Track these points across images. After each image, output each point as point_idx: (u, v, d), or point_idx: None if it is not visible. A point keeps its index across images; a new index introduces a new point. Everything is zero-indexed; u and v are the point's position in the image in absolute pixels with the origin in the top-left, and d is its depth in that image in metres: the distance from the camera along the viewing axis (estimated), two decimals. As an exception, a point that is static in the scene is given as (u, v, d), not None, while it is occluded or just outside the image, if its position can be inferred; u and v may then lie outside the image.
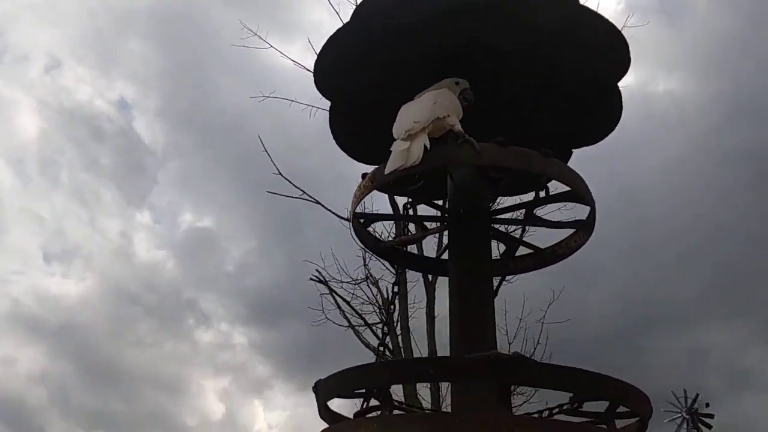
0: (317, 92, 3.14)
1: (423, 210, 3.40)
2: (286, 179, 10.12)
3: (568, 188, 2.79)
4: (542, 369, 2.02)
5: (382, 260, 3.26)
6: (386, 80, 3.04)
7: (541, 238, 3.30)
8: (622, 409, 2.21)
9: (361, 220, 3.01)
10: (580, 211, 3.11)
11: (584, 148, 3.48)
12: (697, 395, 34.98)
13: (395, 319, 12.91)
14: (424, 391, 10.62)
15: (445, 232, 3.09)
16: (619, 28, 2.92)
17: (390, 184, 2.78)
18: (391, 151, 2.53)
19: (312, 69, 3.04)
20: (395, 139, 2.56)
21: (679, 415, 35.02)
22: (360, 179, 2.77)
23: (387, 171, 2.48)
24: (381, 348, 2.94)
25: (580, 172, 3.40)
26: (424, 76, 2.83)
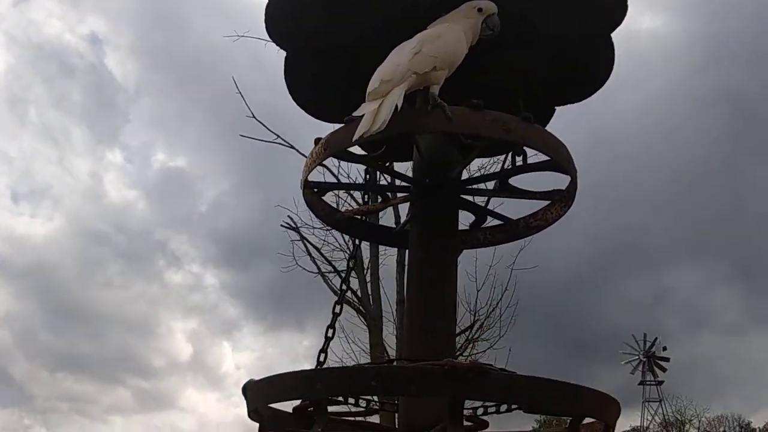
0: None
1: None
2: (261, 123, 9.64)
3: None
4: (502, 380, 1.75)
5: (340, 231, 2.89)
6: (349, 28, 2.63)
7: (515, 205, 3.01)
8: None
9: (315, 190, 2.65)
10: (556, 177, 2.81)
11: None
12: (656, 339, 36.47)
13: (365, 266, 12.80)
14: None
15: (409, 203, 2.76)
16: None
17: (347, 152, 2.42)
18: (345, 119, 2.16)
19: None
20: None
21: (637, 357, 36.60)
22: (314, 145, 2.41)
23: (353, 138, 2.11)
24: (343, 289, 2.71)
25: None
26: (393, 23, 2.43)
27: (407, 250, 2.70)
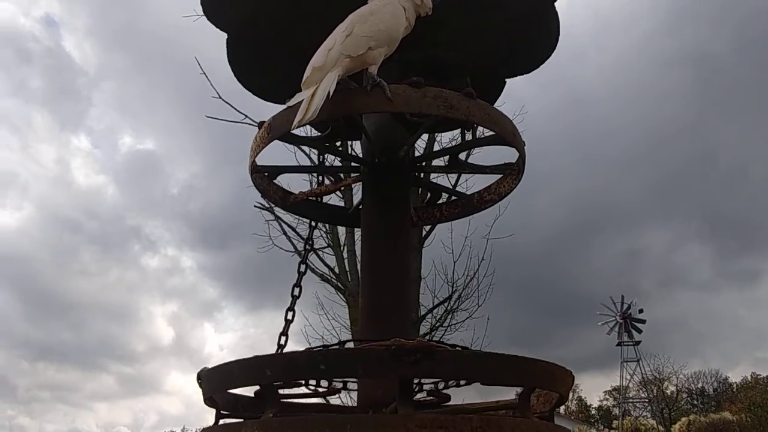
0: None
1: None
2: (228, 103, 9.48)
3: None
4: (449, 357, 1.77)
5: (294, 214, 2.88)
6: (289, 7, 2.58)
7: (476, 180, 3.02)
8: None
9: (266, 174, 2.63)
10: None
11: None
12: (632, 302, 37.32)
13: (341, 243, 12.83)
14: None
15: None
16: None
17: (292, 135, 2.40)
18: (286, 102, 2.14)
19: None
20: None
21: (613, 318, 37.45)
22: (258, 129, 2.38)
23: (292, 127, 2.10)
24: (301, 271, 2.72)
25: (523, 76, 3.08)
26: (329, 4, 2.39)
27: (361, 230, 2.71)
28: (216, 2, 2.53)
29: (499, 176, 2.80)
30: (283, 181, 2.94)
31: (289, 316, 2.69)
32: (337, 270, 12.18)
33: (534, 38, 2.91)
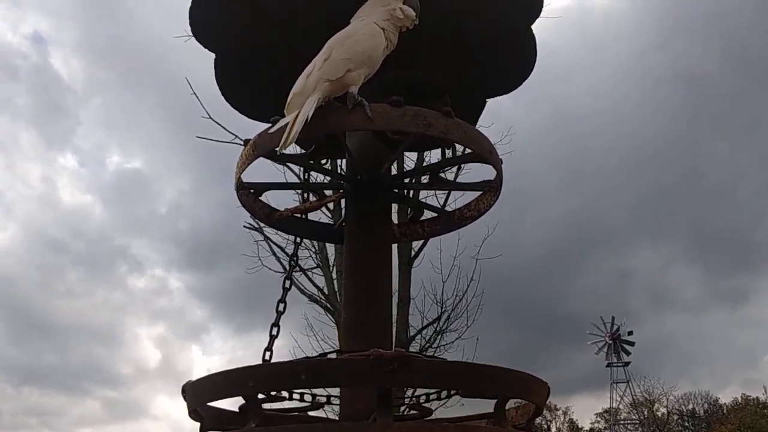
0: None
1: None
2: (218, 123, 9.56)
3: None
4: (425, 367, 1.82)
5: (279, 230, 2.94)
6: (272, 26, 2.67)
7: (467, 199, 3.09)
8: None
9: (251, 191, 2.70)
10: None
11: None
12: (620, 325, 37.48)
13: (330, 264, 12.84)
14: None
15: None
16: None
17: (277, 154, 2.47)
18: (271, 120, 2.21)
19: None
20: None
21: (602, 339, 37.56)
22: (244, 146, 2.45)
23: (277, 151, 2.17)
24: (286, 287, 2.76)
25: (511, 96, 3.16)
26: (316, 25, 2.48)
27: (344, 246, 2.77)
28: (204, 23, 2.62)
29: (479, 193, 2.89)
30: (272, 199, 3.02)
31: (274, 332, 2.73)
32: (326, 291, 12.19)
33: (511, 59, 3.02)
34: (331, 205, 9.52)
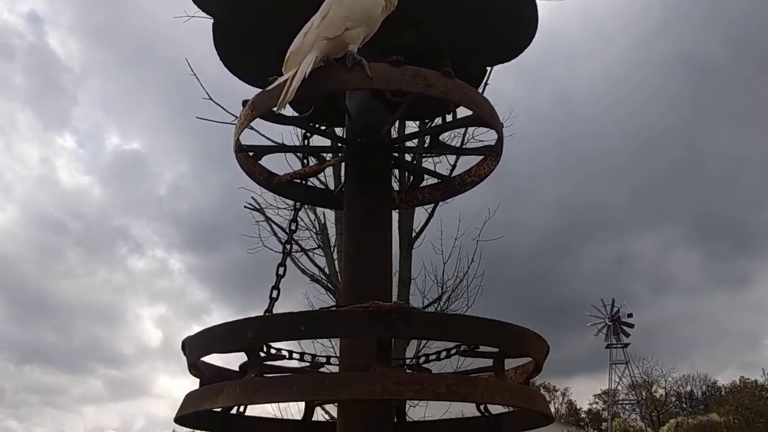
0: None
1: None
2: (218, 104, 9.52)
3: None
4: (424, 319, 1.84)
5: (279, 195, 2.95)
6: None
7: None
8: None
9: (251, 153, 2.70)
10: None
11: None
12: (620, 307, 37.62)
13: (332, 244, 12.89)
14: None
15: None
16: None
17: (275, 113, 2.46)
18: (269, 79, 2.21)
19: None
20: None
21: (602, 321, 37.70)
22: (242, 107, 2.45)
23: (275, 110, 2.17)
24: (286, 251, 2.84)
25: (513, 79, 3.16)
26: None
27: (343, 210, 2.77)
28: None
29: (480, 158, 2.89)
30: (271, 167, 3.01)
31: (274, 294, 2.74)
32: (327, 271, 12.21)
33: (513, 25, 3.00)
34: (330, 173, 9.53)
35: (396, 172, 3.51)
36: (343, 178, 2.88)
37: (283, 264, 2.85)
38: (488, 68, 3.31)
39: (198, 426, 2.22)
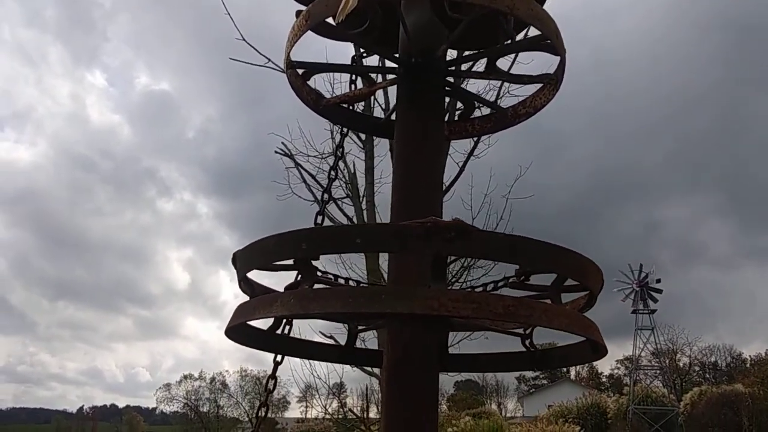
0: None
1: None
2: (251, 46, 9.34)
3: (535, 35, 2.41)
4: (483, 237, 1.75)
5: (326, 119, 2.87)
6: None
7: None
8: (571, 282, 2.02)
9: (300, 71, 2.60)
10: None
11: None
12: (649, 272, 37.09)
13: (361, 194, 12.84)
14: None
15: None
16: None
17: (330, 25, 2.35)
18: None
19: None
20: None
21: (630, 286, 37.31)
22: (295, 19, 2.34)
23: (336, 19, 2.06)
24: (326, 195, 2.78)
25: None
26: None
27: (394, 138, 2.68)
28: None
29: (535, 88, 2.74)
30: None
31: (326, 197, 2.71)
32: (356, 220, 12.22)
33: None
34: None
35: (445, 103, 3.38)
36: (391, 105, 2.77)
37: (328, 191, 2.79)
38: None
39: (245, 342, 2.20)
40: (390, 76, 2.72)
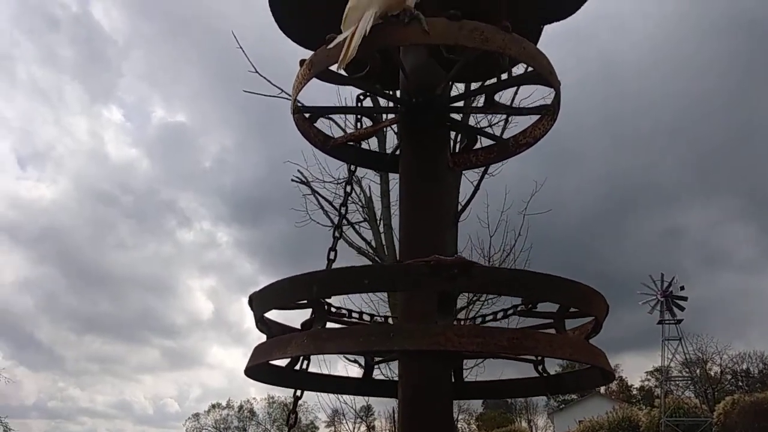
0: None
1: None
2: (264, 77, 9.58)
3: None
4: (486, 273, 1.83)
5: (334, 158, 2.98)
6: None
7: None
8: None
9: (307, 115, 2.72)
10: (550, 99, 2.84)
11: (563, 22, 3.16)
12: (673, 278, 36.60)
13: (378, 218, 12.94)
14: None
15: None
16: None
17: (332, 72, 2.47)
18: (327, 38, 2.22)
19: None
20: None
21: (654, 297, 36.79)
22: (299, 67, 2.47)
23: (336, 68, 2.18)
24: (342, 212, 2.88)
25: (561, 46, 3.08)
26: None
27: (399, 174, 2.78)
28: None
29: (534, 118, 2.83)
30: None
31: (332, 256, 2.79)
32: (373, 244, 12.33)
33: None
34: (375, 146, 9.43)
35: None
36: (395, 141, 2.88)
37: (339, 226, 2.89)
38: (542, 28, 3.21)
39: (265, 380, 2.29)
40: (392, 115, 2.84)
